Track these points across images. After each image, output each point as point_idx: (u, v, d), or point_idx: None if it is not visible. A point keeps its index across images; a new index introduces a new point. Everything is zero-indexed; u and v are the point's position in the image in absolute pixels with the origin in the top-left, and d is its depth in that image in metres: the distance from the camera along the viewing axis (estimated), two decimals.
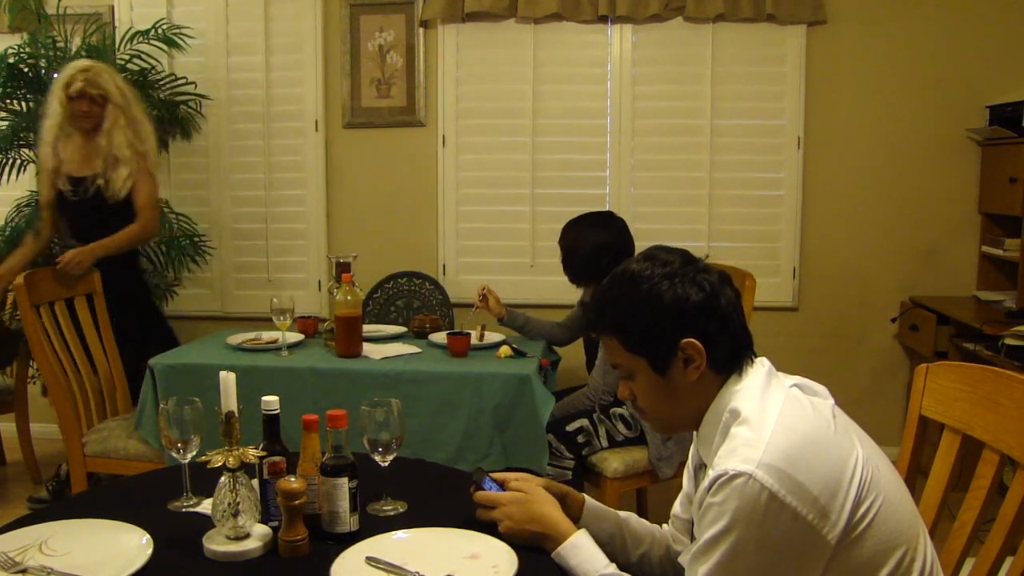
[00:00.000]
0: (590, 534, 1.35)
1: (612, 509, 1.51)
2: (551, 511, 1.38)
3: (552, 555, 1.32)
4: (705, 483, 1.13)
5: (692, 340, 1.20)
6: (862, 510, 1.11)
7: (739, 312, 1.25)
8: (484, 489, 1.43)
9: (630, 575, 1.33)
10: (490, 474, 1.45)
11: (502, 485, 1.44)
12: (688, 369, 1.22)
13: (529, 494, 1.41)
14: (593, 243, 2.78)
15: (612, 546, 1.45)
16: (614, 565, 1.31)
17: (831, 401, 1.23)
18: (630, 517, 1.51)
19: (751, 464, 1.08)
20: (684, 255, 1.26)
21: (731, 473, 1.09)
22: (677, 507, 1.45)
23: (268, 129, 3.99)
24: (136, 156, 3.09)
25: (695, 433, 1.30)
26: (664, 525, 1.50)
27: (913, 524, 1.18)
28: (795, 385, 1.23)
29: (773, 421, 1.13)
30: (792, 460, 1.09)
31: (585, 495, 1.51)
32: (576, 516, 1.45)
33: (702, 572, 1.12)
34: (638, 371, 1.26)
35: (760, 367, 1.24)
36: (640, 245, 2.92)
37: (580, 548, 1.32)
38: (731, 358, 1.23)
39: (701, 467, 1.32)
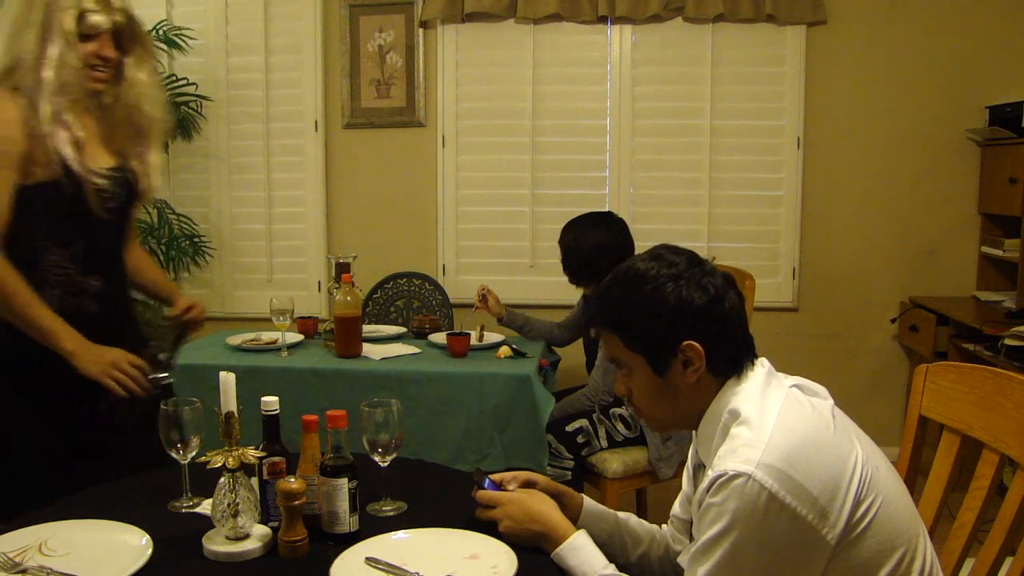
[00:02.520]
0: (589, 534, 1.35)
1: (611, 509, 1.51)
2: (550, 511, 1.38)
3: (551, 556, 1.32)
4: (704, 483, 1.14)
5: (692, 343, 1.20)
6: (861, 510, 1.11)
7: (742, 317, 1.24)
8: (484, 489, 1.43)
9: (629, 575, 1.33)
10: (490, 475, 1.45)
11: (501, 485, 1.44)
12: (687, 371, 1.22)
13: (528, 494, 1.41)
14: (593, 243, 2.78)
15: (611, 546, 1.45)
16: (613, 566, 1.31)
17: (830, 401, 1.23)
18: (629, 517, 1.51)
19: (750, 464, 1.08)
20: (691, 257, 1.25)
21: (731, 473, 1.09)
22: (676, 507, 1.45)
23: (268, 129, 3.99)
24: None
25: (694, 433, 1.30)
26: (664, 525, 1.51)
27: (913, 524, 1.18)
28: (795, 385, 1.23)
29: (773, 421, 1.13)
30: (791, 461, 1.09)
31: (584, 495, 1.51)
32: (574, 516, 1.45)
33: (701, 572, 1.12)
34: (636, 369, 1.26)
35: (760, 368, 1.24)
36: (640, 245, 2.93)
37: (579, 549, 1.32)
38: (731, 362, 1.23)
39: (700, 467, 1.32)
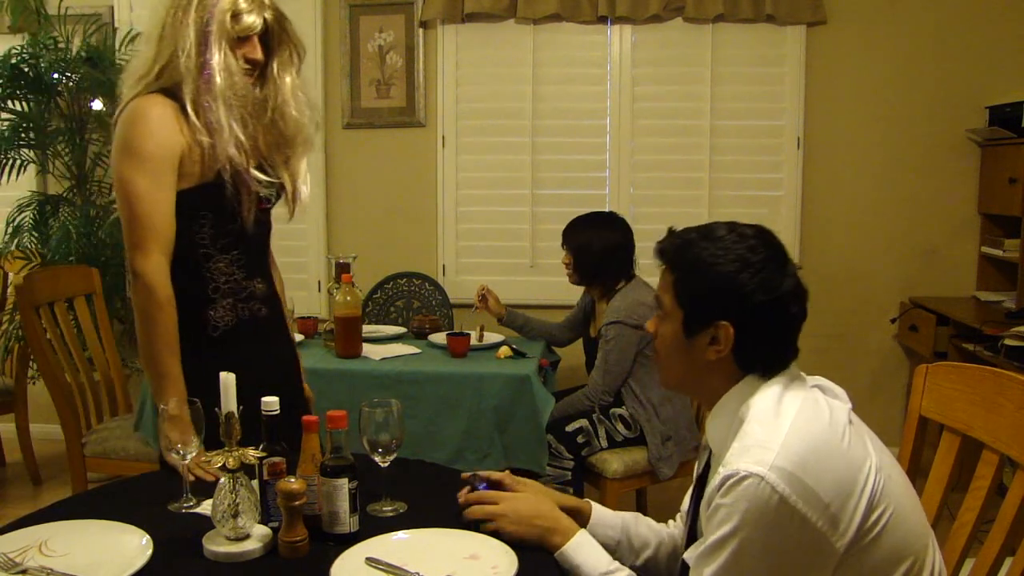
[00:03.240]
0: (597, 541, 1.35)
1: (619, 513, 1.49)
2: (554, 508, 1.38)
3: (556, 554, 1.32)
4: (716, 481, 1.12)
5: (728, 326, 1.18)
6: (872, 519, 1.10)
7: (792, 330, 1.22)
8: (479, 490, 1.43)
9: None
10: (481, 473, 1.45)
11: (499, 484, 1.44)
12: (710, 347, 1.21)
13: (529, 490, 1.42)
14: (605, 244, 2.78)
15: (619, 552, 1.44)
16: (617, 563, 1.31)
17: (849, 405, 1.21)
18: (638, 521, 1.49)
19: (764, 466, 1.07)
20: (775, 254, 1.21)
21: (742, 474, 1.07)
22: (686, 503, 1.44)
23: None
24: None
25: (708, 414, 1.28)
26: (671, 521, 1.50)
27: (923, 535, 1.17)
28: (816, 386, 1.22)
29: (789, 423, 1.11)
30: (805, 465, 1.07)
31: (591, 502, 1.50)
32: (583, 522, 1.44)
33: (707, 573, 1.11)
34: (670, 317, 1.25)
35: (789, 369, 1.22)
36: (640, 246, 2.93)
37: (584, 546, 1.32)
38: (761, 363, 1.21)
39: (705, 448, 1.32)
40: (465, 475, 1.49)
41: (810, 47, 3.70)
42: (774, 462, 1.07)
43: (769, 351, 1.21)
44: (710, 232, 1.24)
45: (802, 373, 1.24)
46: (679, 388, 1.33)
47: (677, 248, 1.26)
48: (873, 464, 1.13)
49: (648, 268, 3.17)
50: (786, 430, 1.10)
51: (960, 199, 3.72)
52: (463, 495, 1.43)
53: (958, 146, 3.70)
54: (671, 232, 1.30)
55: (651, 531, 1.48)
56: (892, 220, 3.77)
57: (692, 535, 1.32)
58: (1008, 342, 2.86)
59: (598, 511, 1.48)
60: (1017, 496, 1.21)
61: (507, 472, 1.48)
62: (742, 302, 1.18)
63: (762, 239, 1.22)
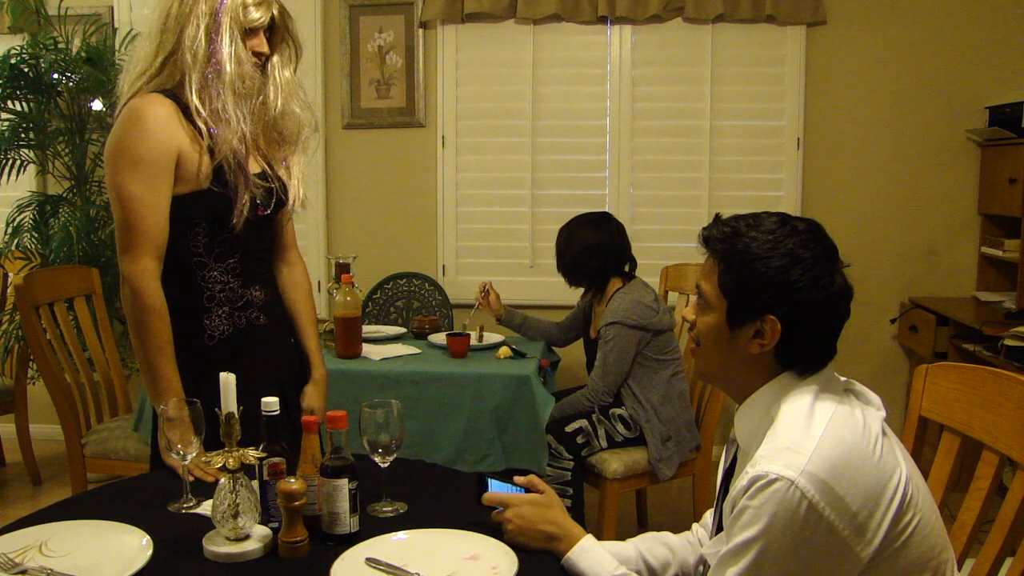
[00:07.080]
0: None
1: (631, 543, 1.45)
2: (563, 514, 1.38)
3: (563, 560, 1.32)
4: (744, 482, 1.10)
5: (775, 320, 1.16)
6: (899, 528, 1.09)
7: (837, 329, 1.21)
8: (491, 491, 1.42)
9: None
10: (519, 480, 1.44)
11: (521, 485, 1.43)
12: (753, 341, 1.18)
13: (546, 494, 1.41)
14: (583, 242, 2.77)
15: None
16: (624, 567, 1.31)
17: (883, 413, 1.19)
18: (652, 547, 1.44)
19: (795, 471, 1.05)
20: (826, 250, 1.18)
21: (772, 477, 1.06)
22: (708, 517, 1.43)
23: None
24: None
25: (737, 407, 1.27)
26: (696, 524, 1.49)
27: (945, 548, 1.16)
28: (850, 391, 1.20)
29: (822, 429, 1.10)
30: (836, 472, 1.06)
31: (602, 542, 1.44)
32: None
33: (730, 574, 1.10)
34: (713, 308, 1.22)
35: (824, 371, 1.21)
36: (639, 246, 2.93)
37: (589, 552, 1.32)
38: (801, 361, 1.19)
39: (733, 442, 1.30)
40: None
41: (810, 47, 3.70)
42: (805, 467, 1.05)
43: (812, 349, 1.19)
44: (760, 223, 1.20)
45: (836, 374, 1.23)
46: (715, 380, 1.30)
47: (724, 237, 1.21)
48: (903, 474, 1.11)
49: (649, 268, 3.18)
50: (819, 436, 1.09)
51: (960, 199, 3.72)
52: (481, 497, 1.42)
53: (958, 146, 3.70)
54: (718, 219, 1.25)
55: (667, 552, 1.44)
56: (892, 220, 3.77)
57: (718, 528, 1.30)
58: (1008, 342, 2.87)
59: (609, 547, 1.41)
60: (1017, 496, 1.21)
61: (532, 476, 1.46)
62: (791, 298, 1.16)
63: (813, 234, 1.19)
